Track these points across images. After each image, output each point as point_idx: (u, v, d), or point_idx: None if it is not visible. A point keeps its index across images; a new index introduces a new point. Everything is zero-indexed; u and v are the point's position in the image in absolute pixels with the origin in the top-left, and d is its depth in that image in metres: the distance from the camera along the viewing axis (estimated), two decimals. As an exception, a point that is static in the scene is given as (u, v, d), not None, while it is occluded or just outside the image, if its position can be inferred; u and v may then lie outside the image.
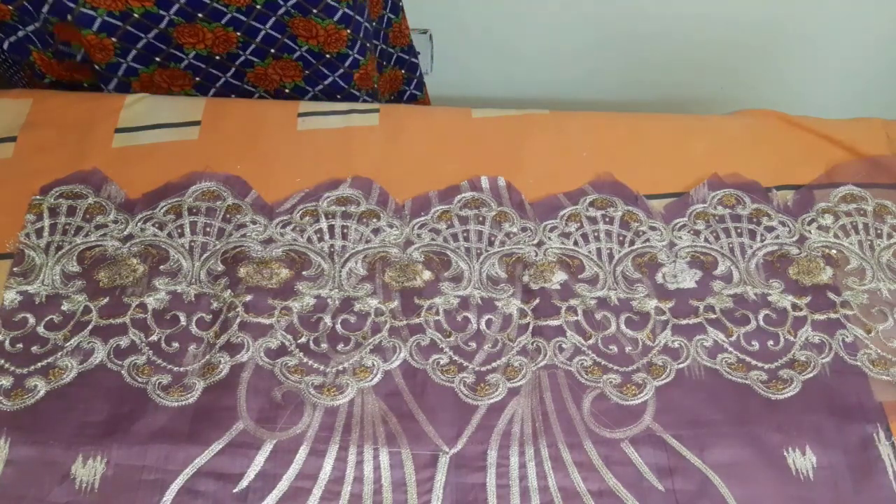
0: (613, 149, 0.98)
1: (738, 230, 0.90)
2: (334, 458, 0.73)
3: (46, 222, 0.87)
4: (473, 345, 0.80)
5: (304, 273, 0.85)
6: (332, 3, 1.05)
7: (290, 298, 0.83)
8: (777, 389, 0.78)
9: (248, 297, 0.82)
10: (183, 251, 0.86)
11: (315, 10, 1.05)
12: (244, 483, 0.71)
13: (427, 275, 0.85)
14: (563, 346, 0.80)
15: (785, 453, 0.74)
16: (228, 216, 0.89)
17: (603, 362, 0.79)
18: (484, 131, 0.99)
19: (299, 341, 0.80)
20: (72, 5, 0.99)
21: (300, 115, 0.99)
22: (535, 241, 0.88)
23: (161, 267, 0.85)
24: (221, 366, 0.77)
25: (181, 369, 0.77)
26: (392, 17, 1.20)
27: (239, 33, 1.07)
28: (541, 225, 0.90)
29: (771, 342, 0.81)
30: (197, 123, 0.97)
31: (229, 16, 1.04)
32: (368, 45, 1.13)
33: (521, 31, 1.43)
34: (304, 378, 0.77)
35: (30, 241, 0.86)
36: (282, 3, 1.04)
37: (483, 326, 0.82)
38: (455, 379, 0.78)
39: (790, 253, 0.88)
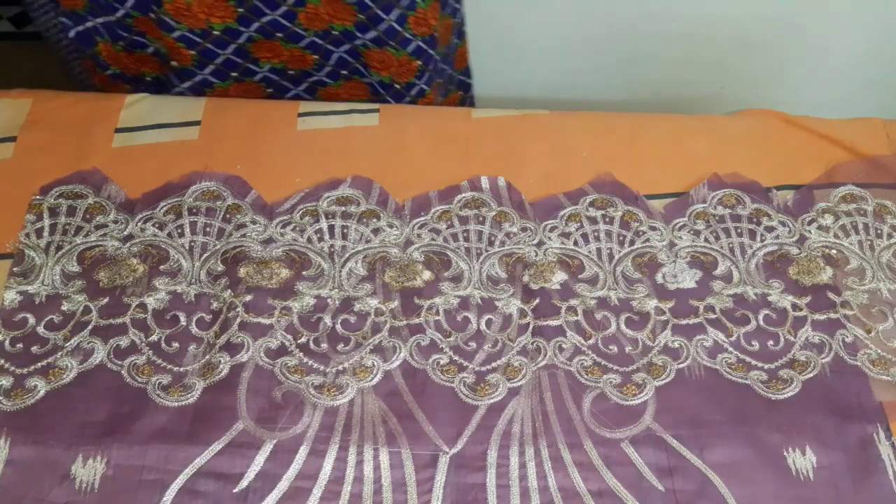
0: (613, 149, 0.98)
1: (738, 230, 0.90)
2: (334, 458, 0.73)
3: (46, 222, 0.87)
4: (473, 345, 0.80)
5: (304, 273, 0.85)
6: (408, 35, 1.07)
7: (290, 298, 0.83)
8: (777, 389, 0.78)
9: (248, 297, 0.82)
10: (183, 251, 0.86)
11: (391, 42, 1.07)
12: (244, 483, 0.71)
13: (427, 275, 0.85)
14: (563, 346, 0.80)
15: (785, 453, 0.74)
16: (228, 216, 0.89)
17: (603, 362, 0.79)
18: (484, 131, 0.99)
19: (299, 341, 0.80)
20: (154, 8, 1.00)
21: (300, 115, 0.99)
22: (535, 241, 0.88)
23: (161, 267, 0.85)
24: (221, 366, 0.77)
25: (181, 369, 0.77)
26: (457, 41, 1.21)
27: (316, 56, 1.09)
28: (541, 225, 0.90)
29: (771, 342, 0.81)
30: (197, 123, 0.97)
31: (308, 40, 1.07)
32: (435, 74, 1.15)
33: (521, 31, 1.43)
34: (304, 378, 0.77)
35: (30, 241, 0.86)
36: (359, 34, 1.07)
37: (483, 326, 0.82)
38: (455, 379, 0.78)
39: (790, 253, 0.88)
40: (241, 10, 1.01)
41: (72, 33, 1.05)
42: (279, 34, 1.05)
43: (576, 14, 1.26)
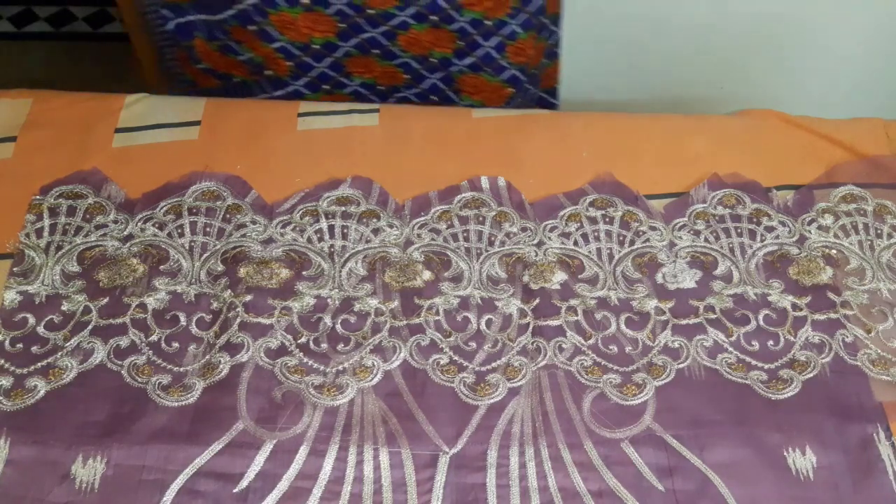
0: (613, 149, 0.98)
1: (738, 230, 0.90)
2: (334, 458, 0.72)
3: (46, 222, 0.87)
4: (473, 345, 0.80)
5: (304, 273, 0.85)
6: (505, 64, 1.09)
7: (290, 298, 0.82)
8: (777, 389, 0.78)
9: (248, 297, 0.82)
10: (183, 251, 0.86)
11: (486, 69, 1.09)
12: (244, 483, 0.71)
13: (427, 275, 0.85)
14: (563, 346, 0.80)
15: (785, 453, 0.74)
16: (228, 216, 0.89)
17: (603, 362, 0.79)
18: (484, 131, 0.99)
19: (299, 341, 0.80)
20: (258, 19, 1.01)
21: (300, 115, 0.99)
22: (535, 241, 0.88)
23: (161, 267, 0.85)
24: (221, 366, 0.77)
25: (181, 369, 0.77)
26: (546, 62, 1.21)
27: (408, 76, 1.11)
28: (541, 225, 0.90)
29: (771, 342, 0.81)
30: (197, 123, 0.97)
31: (402, 60, 1.08)
32: (523, 96, 1.17)
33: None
34: (304, 378, 0.77)
35: (30, 241, 0.86)
36: (456, 61, 1.08)
37: (483, 326, 0.82)
38: (455, 379, 0.78)
39: (790, 253, 0.88)
40: (342, 25, 1.02)
41: (171, 25, 1.06)
42: (375, 51, 1.06)
43: (576, 14, 1.26)
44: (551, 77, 1.23)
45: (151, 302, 0.82)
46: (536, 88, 1.21)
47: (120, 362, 0.77)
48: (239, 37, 1.05)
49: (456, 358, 0.79)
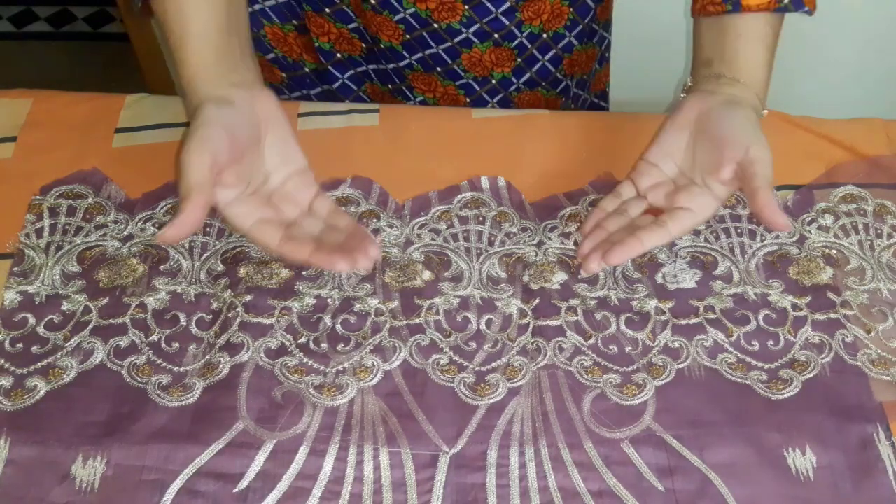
0: (613, 149, 0.98)
1: (738, 230, 0.90)
2: (334, 458, 0.73)
3: (46, 222, 0.87)
4: (473, 345, 0.80)
5: (303, 273, 0.85)
6: (560, 76, 1.10)
7: (290, 298, 0.83)
8: (777, 389, 0.78)
9: (248, 297, 0.82)
10: (183, 251, 0.86)
11: (543, 84, 1.09)
12: (244, 483, 0.71)
13: (427, 275, 0.85)
14: (563, 346, 0.80)
15: (785, 453, 0.74)
16: (228, 216, 0.89)
17: (603, 362, 0.79)
18: (484, 131, 0.99)
19: (299, 341, 0.80)
20: (333, 2, 1.01)
21: (300, 115, 0.99)
22: (535, 241, 0.88)
23: (161, 267, 0.85)
24: (221, 366, 0.77)
25: (181, 369, 0.77)
26: (598, 68, 1.21)
27: (468, 99, 1.10)
28: (541, 225, 0.90)
29: (771, 342, 0.81)
30: (197, 123, 0.97)
31: (465, 81, 1.08)
32: (571, 103, 1.17)
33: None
34: (304, 378, 0.77)
35: (30, 241, 0.86)
36: (514, 80, 1.08)
37: (483, 326, 0.82)
38: (455, 379, 0.78)
39: (790, 253, 0.88)
40: (408, 36, 1.02)
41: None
42: (438, 68, 1.06)
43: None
44: (602, 81, 1.24)
45: (151, 302, 0.82)
46: (586, 93, 1.22)
47: (120, 362, 0.77)
48: (311, 24, 1.05)
49: (456, 358, 0.79)
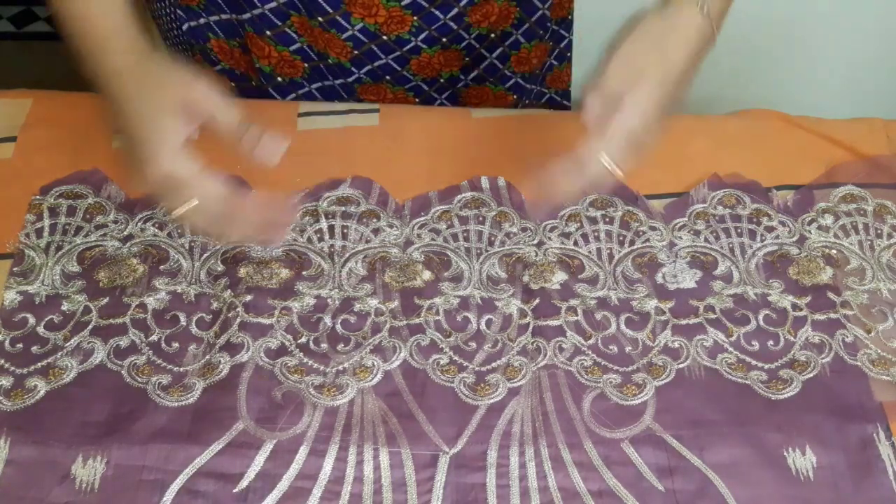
0: (613, 149, 0.97)
1: (739, 230, 0.90)
2: (334, 458, 0.73)
3: (46, 222, 0.87)
4: (473, 345, 0.80)
5: (304, 273, 0.85)
6: (508, 73, 1.10)
7: (290, 298, 0.83)
8: (777, 389, 0.78)
9: (248, 297, 0.82)
10: (183, 251, 0.86)
11: (491, 80, 1.10)
12: (244, 483, 0.71)
13: (427, 275, 0.85)
14: (564, 346, 0.80)
15: (785, 453, 0.74)
16: (228, 216, 0.89)
17: (603, 362, 0.79)
18: (484, 131, 0.99)
19: (299, 341, 0.80)
20: (275, 24, 1.00)
21: (300, 115, 0.99)
22: (535, 241, 0.88)
23: (161, 267, 0.85)
24: (221, 366, 0.77)
25: (181, 369, 0.77)
26: (556, 64, 1.21)
27: (417, 99, 1.11)
28: (541, 225, 0.90)
29: (771, 342, 0.81)
30: (197, 123, 0.97)
31: (414, 84, 1.08)
32: (527, 98, 1.17)
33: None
34: (304, 378, 0.77)
35: (30, 241, 0.86)
36: (462, 77, 1.08)
37: (483, 326, 0.82)
38: (455, 379, 0.78)
39: (790, 253, 0.88)
40: (356, 52, 1.02)
41: (185, 27, 1.05)
42: (388, 77, 1.06)
43: (575, 15, 1.26)
44: (563, 80, 1.23)
45: (151, 302, 0.82)
46: (544, 87, 1.22)
47: (120, 362, 0.77)
48: (252, 43, 1.04)
49: (456, 358, 0.79)
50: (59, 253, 0.85)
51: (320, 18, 0.98)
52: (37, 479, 0.70)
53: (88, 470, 0.71)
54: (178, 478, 0.70)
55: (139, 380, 0.76)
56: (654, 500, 0.71)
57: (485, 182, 0.94)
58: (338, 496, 0.71)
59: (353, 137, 0.98)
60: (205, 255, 0.86)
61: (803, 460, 0.74)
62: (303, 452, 0.73)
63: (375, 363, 0.79)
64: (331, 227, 0.89)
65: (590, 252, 0.88)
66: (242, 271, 0.84)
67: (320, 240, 0.88)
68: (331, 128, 0.99)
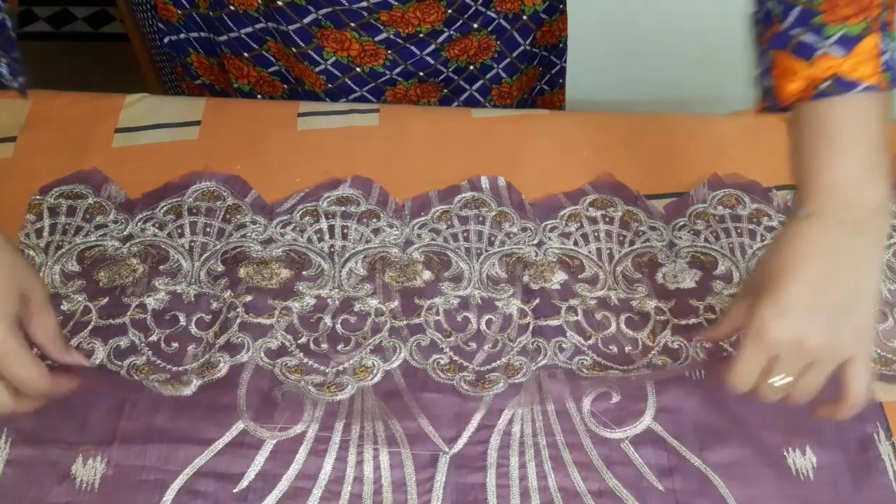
0: (613, 149, 0.98)
1: (739, 230, 0.90)
2: (334, 458, 0.73)
3: (46, 222, 0.87)
4: (473, 345, 0.80)
5: (304, 273, 0.85)
6: (489, 106, 1.09)
7: (290, 298, 0.83)
8: (777, 389, 0.77)
9: (248, 298, 0.82)
10: (183, 251, 0.86)
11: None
12: (244, 483, 0.71)
13: (427, 275, 0.85)
14: (564, 345, 0.80)
15: (785, 453, 0.74)
16: (228, 216, 0.89)
17: (603, 362, 0.79)
18: (484, 131, 0.99)
19: (299, 341, 0.80)
20: (252, 47, 1.00)
21: (300, 115, 0.99)
22: (535, 241, 0.88)
23: (161, 267, 0.85)
24: (221, 366, 0.77)
25: (181, 369, 0.77)
26: (547, 90, 1.19)
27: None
28: (541, 225, 0.90)
29: (771, 342, 0.81)
30: (197, 123, 0.97)
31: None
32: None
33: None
34: (305, 378, 0.77)
35: (30, 241, 0.86)
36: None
37: (483, 326, 0.82)
38: (455, 378, 0.78)
39: (790, 253, 0.88)
40: (330, 86, 1.02)
41: (166, 40, 1.06)
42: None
43: (575, 14, 1.26)
44: (555, 104, 1.22)
45: (151, 302, 0.82)
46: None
47: (120, 362, 0.77)
48: (230, 64, 1.04)
49: (456, 358, 0.79)
50: (59, 253, 0.85)
51: (294, 49, 0.98)
52: (37, 479, 0.70)
53: (88, 470, 0.71)
54: (179, 478, 0.70)
55: (139, 379, 0.76)
56: (654, 499, 0.71)
57: (485, 182, 0.94)
58: (338, 496, 0.71)
59: (353, 137, 0.98)
60: (205, 256, 0.86)
61: (803, 460, 0.74)
62: (303, 452, 0.73)
63: (375, 363, 0.78)
64: (331, 227, 0.89)
65: (590, 252, 0.88)
66: (242, 271, 0.84)
67: (320, 240, 0.88)
68: (331, 128, 0.99)
